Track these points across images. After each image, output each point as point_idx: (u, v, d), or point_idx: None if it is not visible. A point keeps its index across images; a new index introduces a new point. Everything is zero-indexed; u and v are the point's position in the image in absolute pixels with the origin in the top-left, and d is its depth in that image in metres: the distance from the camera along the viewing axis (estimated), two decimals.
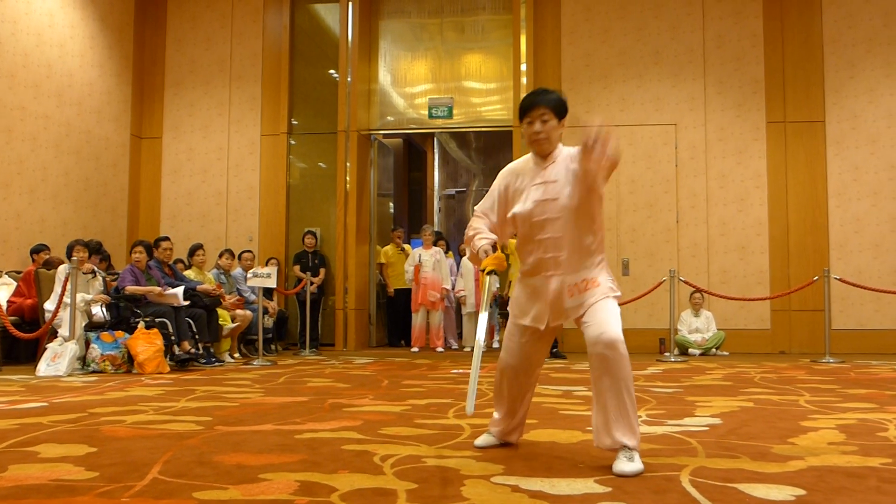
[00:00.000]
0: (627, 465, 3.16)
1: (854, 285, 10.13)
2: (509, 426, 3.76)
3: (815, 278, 10.02)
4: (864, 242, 11.13)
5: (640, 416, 3.39)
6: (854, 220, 11.16)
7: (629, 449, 3.21)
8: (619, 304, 3.46)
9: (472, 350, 11.25)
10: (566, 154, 3.56)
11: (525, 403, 3.75)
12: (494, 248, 3.55)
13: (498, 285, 10.63)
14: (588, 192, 3.44)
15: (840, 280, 10.06)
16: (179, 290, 8.80)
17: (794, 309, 11.11)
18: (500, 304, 12.27)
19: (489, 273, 3.50)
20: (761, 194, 11.31)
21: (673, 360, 9.57)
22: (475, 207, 3.75)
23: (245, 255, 10.86)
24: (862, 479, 3.05)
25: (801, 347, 11.07)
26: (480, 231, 3.63)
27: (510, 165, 3.74)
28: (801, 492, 2.83)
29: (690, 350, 10.56)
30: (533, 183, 3.56)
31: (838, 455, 3.51)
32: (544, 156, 3.58)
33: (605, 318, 3.31)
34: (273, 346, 10.79)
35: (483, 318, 3.61)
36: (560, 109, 3.54)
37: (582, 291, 3.42)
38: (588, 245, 3.46)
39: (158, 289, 8.56)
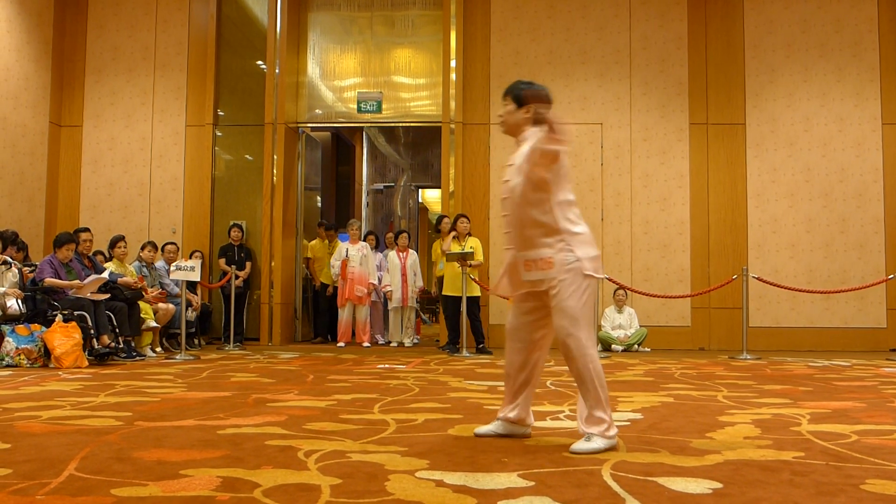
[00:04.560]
0: (579, 444, 3.47)
1: (771, 284, 10.41)
2: (507, 404, 3.91)
3: (734, 277, 10.27)
4: (780, 242, 11.46)
5: (601, 405, 3.57)
6: (771, 221, 11.48)
7: (589, 434, 3.51)
8: None
9: (398, 345, 11.30)
10: (532, 139, 3.76)
11: (522, 384, 3.89)
12: None
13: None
14: (526, 175, 3.67)
15: (757, 279, 10.33)
16: (105, 273, 8.64)
17: (713, 307, 11.38)
18: (419, 301, 12.29)
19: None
20: (683, 194, 11.55)
21: None
22: None
23: (168, 247, 10.65)
24: (775, 472, 3.14)
25: (719, 344, 11.35)
26: None
27: None
28: (718, 485, 2.91)
29: (613, 346, 10.72)
30: (507, 164, 3.92)
31: (754, 449, 3.61)
32: (515, 139, 3.90)
33: (563, 316, 3.59)
34: (196, 341, 10.62)
35: None
36: (519, 97, 3.82)
37: (539, 268, 3.66)
38: (541, 223, 3.66)
39: (78, 282, 8.35)
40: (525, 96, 3.82)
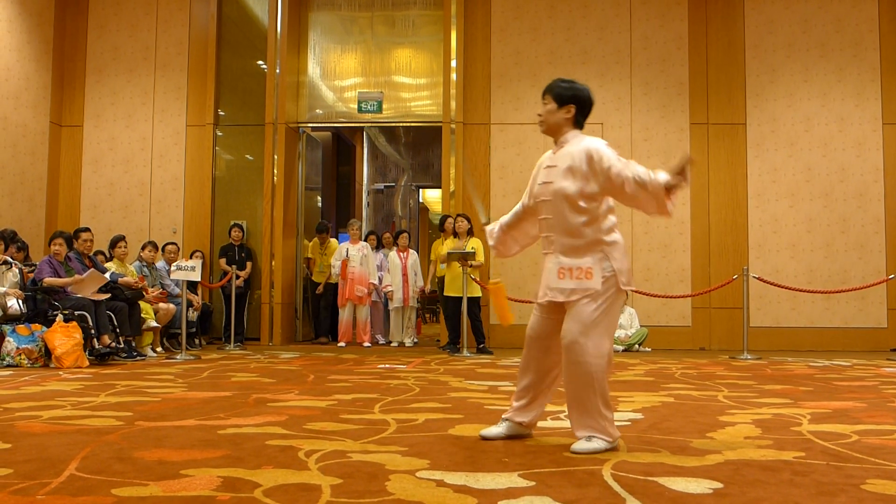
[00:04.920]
0: (580, 444, 3.52)
1: (771, 284, 10.41)
2: (523, 409, 3.84)
3: (735, 277, 10.27)
4: (781, 242, 11.46)
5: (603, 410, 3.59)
6: (772, 221, 11.48)
7: (589, 434, 3.54)
8: None
9: (399, 345, 11.28)
10: (576, 142, 3.71)
11: (543, 390, 3.85)
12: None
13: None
14: (585, 186, 3.64)
15: (758, 279, 10.33)
16: (107, 274, 8.65)
17: (713, 306, 11.37)
18: (420, 300, 12.29)
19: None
20: (684, 194, 11.52)
21: None
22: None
23: (169, 247, 10.66)
24: (776, 472, 3.14)
25: (720, 344, 11.34)
26: (503, 219, 4.12)
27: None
28: (719, 485, 2.91)
29: (614, 346, 10.70)
30: (544, 165, 3.82)
31: (754, 449, 3.61)
32: (554, 140, 3.81)
33: (576, 320, 3.56)
34: (197, 341, 10.62)
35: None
36: (560, 96, 3.73)
37: (575, 277, 3.59)
38: (582, 232, 3.63)
39: (78, 276, 8.35)
40: (566, 95, 3.74)
